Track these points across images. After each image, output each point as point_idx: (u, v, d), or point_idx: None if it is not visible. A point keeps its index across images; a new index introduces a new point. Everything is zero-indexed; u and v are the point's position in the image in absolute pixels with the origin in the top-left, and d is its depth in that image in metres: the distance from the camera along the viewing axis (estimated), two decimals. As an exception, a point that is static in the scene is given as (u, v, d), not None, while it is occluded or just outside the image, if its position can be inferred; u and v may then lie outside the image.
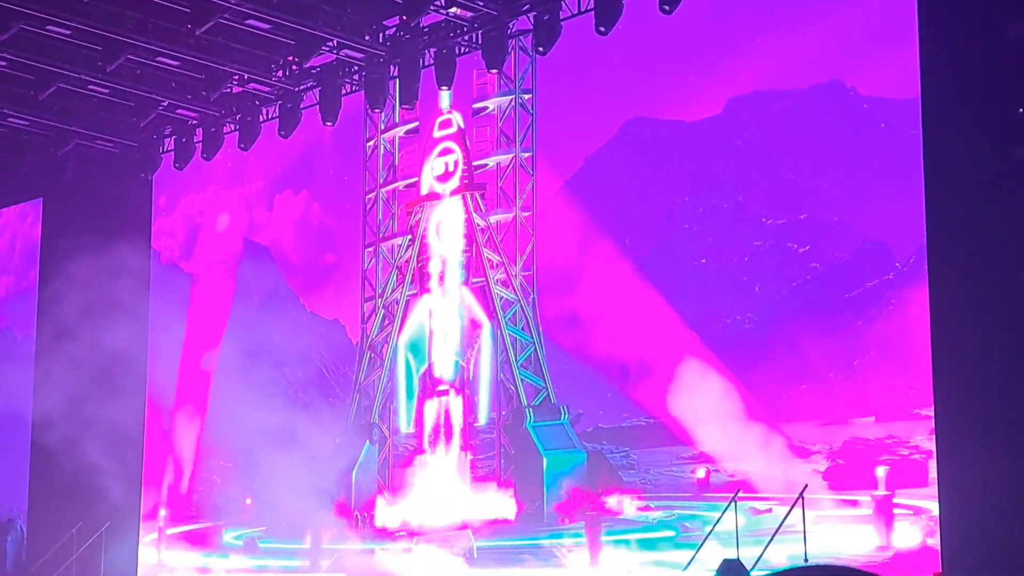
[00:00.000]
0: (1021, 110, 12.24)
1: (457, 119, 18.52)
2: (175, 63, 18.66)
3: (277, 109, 19.60)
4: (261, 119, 19.92)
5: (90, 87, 19.36)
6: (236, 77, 19.10)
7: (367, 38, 18.06)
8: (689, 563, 13.54)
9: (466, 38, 17.54)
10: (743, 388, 15.15)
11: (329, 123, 18.98)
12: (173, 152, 21.04)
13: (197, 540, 20.58)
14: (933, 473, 13.27)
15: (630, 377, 16.53)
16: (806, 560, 12.79)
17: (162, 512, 21.09)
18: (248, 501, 20.18)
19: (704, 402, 15.78)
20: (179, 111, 20.31)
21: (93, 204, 20.51)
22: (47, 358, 20.97)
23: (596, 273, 17.09)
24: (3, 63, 18.18)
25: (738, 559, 9.81)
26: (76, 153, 20.97)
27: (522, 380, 17.38)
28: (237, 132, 20.10)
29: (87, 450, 19.32)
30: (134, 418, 20.32)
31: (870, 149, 14.69)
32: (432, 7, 16.52)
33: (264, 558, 19.51)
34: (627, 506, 16.17)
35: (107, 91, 19.55)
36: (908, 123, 13.87)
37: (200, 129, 20.59)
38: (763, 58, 15.63)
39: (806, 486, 13.39)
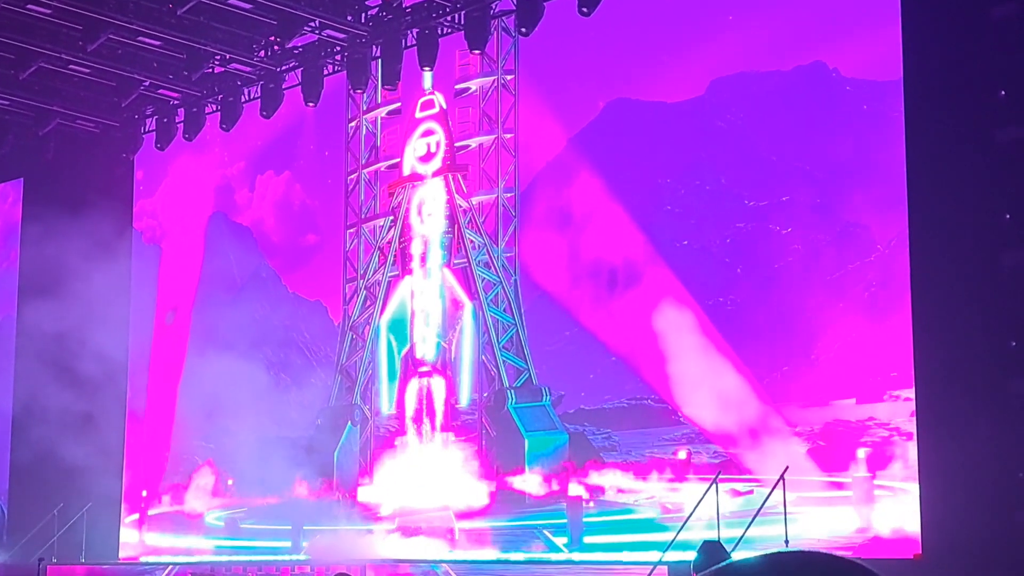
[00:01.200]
0: (1003, 92, 12.25)
1: (439, 100, 18.46)
2: (156, 43, 18.61)
3: (259, 89, 19.57)
4: (243, 99, 19.89)
5: (71, 67, 19.30)
6: (218, 57, 19.06)
7: (349, 18, 18.02)
8: (670, 544, 13.54)
9: (448, 19, 17.50)
10: (724, 370, 15.15)
11: (311, 103, 18.95)
12: (155, 132, 21.00)
13: (179, 521, 20.55)
14: (913, 455, 13.31)
15: (611, 357, 16.52)
16: (786, 542, 12.82)
17: (143, 493, 21.05)
18: (230, 482, 20.16)
19: (685, 384, 15.79)
20: (161, 91, 20.26)
21: (74, 184, 20.47)
22: (27, 339, 20.93)
23: (578, 252, 17.06)
24: (-18, 42, 18.09)
25: (719, 540, 9.80)
26: (57, 133, 20.92)
27: (504, 361, 17.37)
28: (219, 112, 20.05)
29: (68, 431, 19.30)
30: (115, 398, 20.30)
31: (852, 131, 14.68)
32: (414, -13, 16.47)
33: (246, 539, 19.50)
34: (608, 488, 16.17)
35: (88, 71, 19.49)
36: (890, 105, 13.87)
37: (182, 109, 20.54)
38: (746, 39, 15.60)
39: (787, 468, 13.39)
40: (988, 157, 12.38)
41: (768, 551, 1.85)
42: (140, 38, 18.41)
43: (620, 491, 16.08)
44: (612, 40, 16.64)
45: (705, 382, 15.44)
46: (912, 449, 13.36)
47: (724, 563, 1.82)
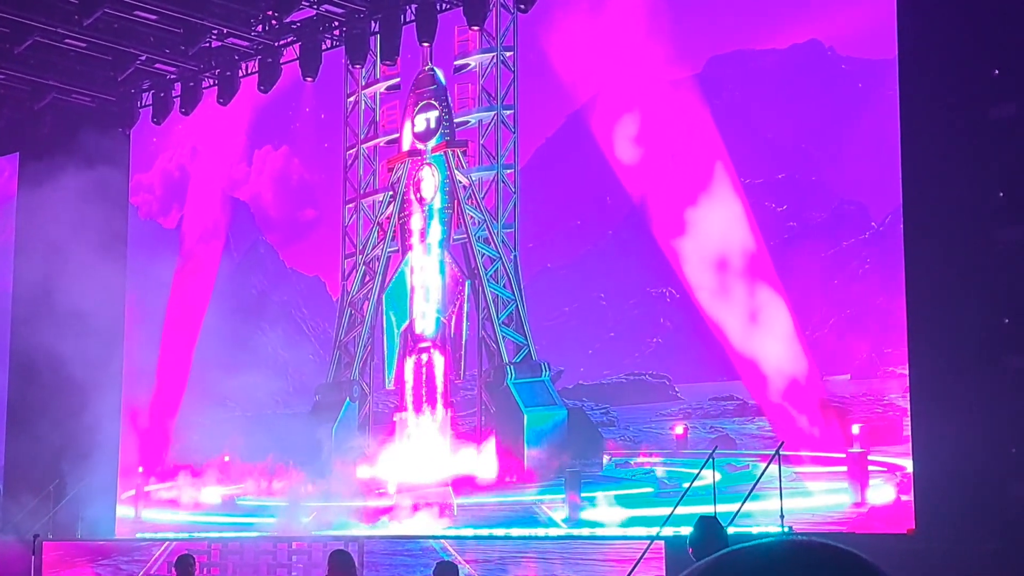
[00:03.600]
0: (996, 71, 12.29)
1: (439, 75, 18.48)
2: (153, 17, 18.59)
3: (256, 64, 19.56)
4: (240, 74, 19.88)
5: (67, 41, 19.28)
6: (215, 31, 19.05)
7: (347, -7, 18.00)
8: (667, 519, 13.64)
9: (447, -6, 17.50)
10: (721, 346, 15.23)
11: (309, 78, 18.95)
12: (151, 107, 21.00)
13: (176, 497, 20.61)
14: (907, 431, 13.40)
15: (610, 333, 16.60)
16: (782, 517, 12.91)
17: (140, 469, 21.12)
18: (226, 458, 20.23)
19: (683, 359, 15.88)
20: (157, 65, 20.25)
21: (70, 158, 20.44)
22: (23, 313, 20.97)
23: (577, 231, 17.13)
24: (-20, 17, 18.07)
25: (715, 515, 9.89)
26: (53, 107, 20.91)
27: (503, 337, 17.43)
28: (216, 87, 20.05)
29: (64, 406, 19.35)
30: (112, 373, 20.34)
31: (847, 109, 14.73)
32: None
33: (243, 515, 19.58)
34: (606, 463, 16.27)
35: (84, 45, 19.48)
36: (885, 83, 13.91)
37: (178, 83, 20.53)
38: (742, 17, 15.63)
39: (782, 443, 13.49)
40: (982, 135, 12.43)
41: (775, 538, 1.90)
42: (136, 12, 18.40)
43: (618, 466, 16.17)
44: (610, 17, 16.65)
45: (702, 358, 15.53)
46: (906, 424, 13.45)
47: (732, 548, 1.88)
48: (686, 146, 15.88)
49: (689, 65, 16.01)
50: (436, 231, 18.36)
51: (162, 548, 18.64)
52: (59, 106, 20.93)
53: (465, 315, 17.89)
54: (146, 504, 20.95)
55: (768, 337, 14.83)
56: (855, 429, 14.09)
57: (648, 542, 13.60)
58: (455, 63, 18.30)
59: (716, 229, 15.46)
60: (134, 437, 21.12)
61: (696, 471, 14.00)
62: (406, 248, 18.68)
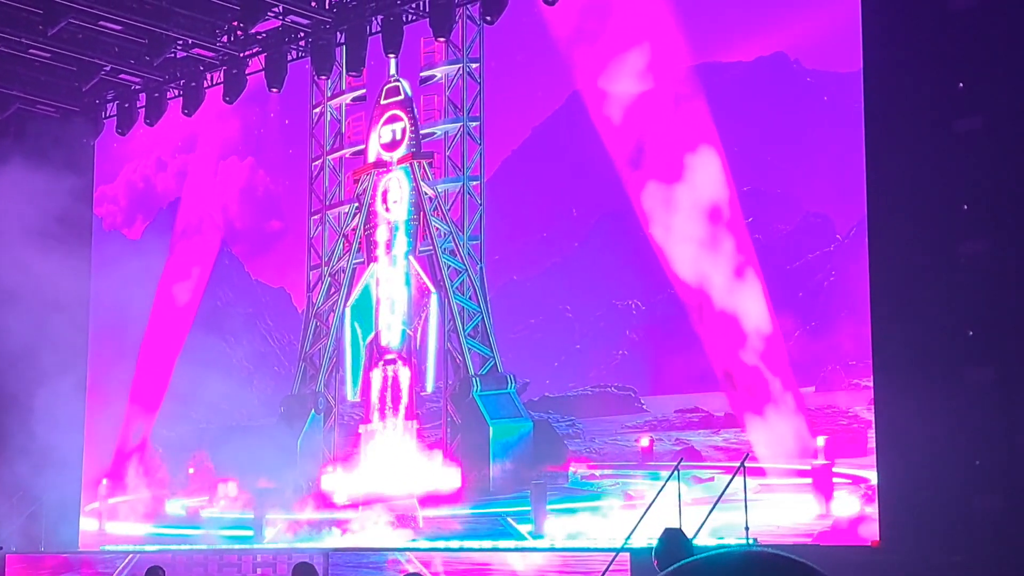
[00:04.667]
0: (961, 84, 12.35)
1: (404, 87, 18.44)
2: (118, 27, 18.50)
3: (222, 75, 19.49)
4: (205, 85, 19.81)
5: (31, 51, 19.17)
6: (180, 42, 18.97)
7: (313, 4, 17.98)
8: (632, 531, 13.62)
9: (413, 6, 17.50)
10: (686, 358, 15.24)
11: (275, 89, 18.90)
12: (116, 117, 20.89)
13: (140, 510, 20.48)
14: (872, 443, 13.42)
15: (576, 345, 16.59)
16: (747, 529, 12.90)
17: (104, 481, 20.97)
18: (191, 471, 20.11)
19: (648, 372, 15.88)
20: (122, 76, 20.15)
21: (34, 170, 20.27)
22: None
23: (543, 243, 17.12)
24: (-58, 27, 17.96)
25: (680, 528, 9.88)
26: (17, 117, 20.77)
27: (469, 349, 17.40)
28: (181, 98, 19.97)
29: (28, 418, 19.19)
30: (75, 386, 20.19)
31: (813, 122, 14.78)
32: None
33: (207, 528, 19.45)
34: (572, 475, 16.25)
35: (49, 55, 19.37)
36: (851, 96, 13.96)
37: (143, 94, 20.44)
38: (708, 30, 15.67)
39: (747, 455, 13.52)
40: (946, 148, 12.48)
41: (731, 548, 1.88)
42: (101, 22, 18.30)
43: (584, 478, 16.15)
44: (576, 30, 16.66)
45: (667, 370, 15.54)
46: (871, 437, 13.47)
47: (691, 559, 1.86)
48: (652, 158, 15.89)
49: (655, 78, 16.02)
50: (402, 243, 18.31)
51: (126, 560, 18.51)
52: (23, 116, 20.79)
53: (431, 327, 17.84)
54: (110, 516, 20.78)
55: (733, 349, 14.84)
56: (820, 441, 14.11)
57: (613, 554, 13.57)
58: (421, 74, 18.28)
59: (681, 241, 15.46)
60: (98, 449, 20.94)
61: (662, 483, 13.99)
62: (371, 260, 18.63)
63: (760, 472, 14.13)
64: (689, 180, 15.55)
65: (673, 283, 15.46)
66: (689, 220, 15.42)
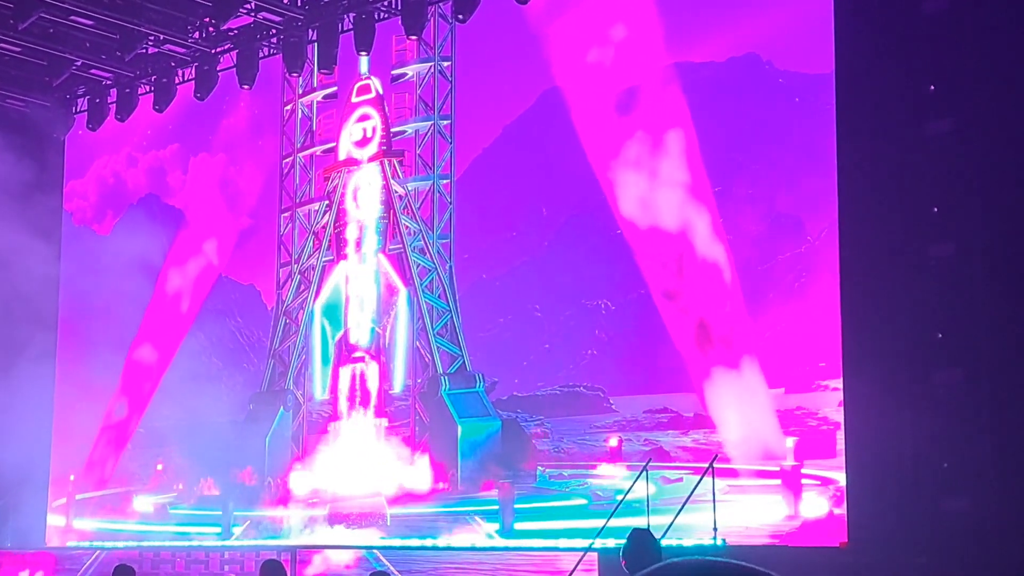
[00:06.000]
0: (932, 87, 12.39)
1: (376, 85, 18.40)
2: (89, 22, 18.41)
3: (193, 71, 19.41)
4: (177, 81, 19.72)
5: (2, 45, 19.06)
6: (152, 38, 18.88)
7: (285, 1, 17.92)
8: (600, 532, 13.62)
9: (385, 3, 17.46)
10: (656, 358, 15.26)
11: (246, 86, 18.83)
12: (86, 112, 20.79)
13: (107, 506, 20.39)
14: (841, 444, 13.46)
15: (545, 345, 16.58)
16: (715, 530, 12.92)
17: (71, 477, 20.86)
18: (159, 467, 20.03)
19: (618, 372, 15.88)
20: (93, 71, 20.06)
21: (4, 164, 20.15)
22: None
23: (513, 242, 17.11)
24: (-89, 19, 17.82)
25: (648, 528, 9.88)
26: (-13, 112, 20.64)
27: (438, 348, 17.37)
28: (152, 93, 19.88)
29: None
30: (43, 382, 20.09)
31: (785, 123, 14.81)
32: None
33: (175, 524, 19.38)
34: (540, 474, 16.24)
35: (19, 49, 19.26)
36: (822, 98, 13.99)
37: (114, 90, 20.35)
38: (680, 31, 15.68)
39: (716, 456, 13.54)
40: (917, 151, 12.52)
41: (688, 557, 1.87)
42: (72, 17, 18.21)
43: (552, 478, 16.14)
44: (548, 29, 16.65)
45: (636, 370, 15.55)
46: (840, 438, 13.51)
47: (661, 564, 1.85)
48: (623, 157, 15.89)
49: (627, 77, 16.02)
50: (371, 241, 18.27)
51: (93, 557, 18.44)
52: (-8, 110, 20.67)
53: (400, 325, 17.81)
54: (77, 512, 20.68)
55: (702, 350, 14.86)
56: (789, 442, 14.14)
57: (581, 553, 13.57)
58: (392, 72, 18.24)
59: (652, 240, 15.48)
60: (65, 444, 20.83)
61: (630, 483, 14.00)
62: (341, 258, 18.58)
63: (729, 473, 14.15)
64: (661, 179, 15.56)
65: (645, 282, 15.47)
66: (660, 219, 15.43)
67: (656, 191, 15.55)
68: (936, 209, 12.46)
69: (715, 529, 12.94)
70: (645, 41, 15.90)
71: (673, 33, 15.69)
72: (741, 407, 14.51)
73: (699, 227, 15.18)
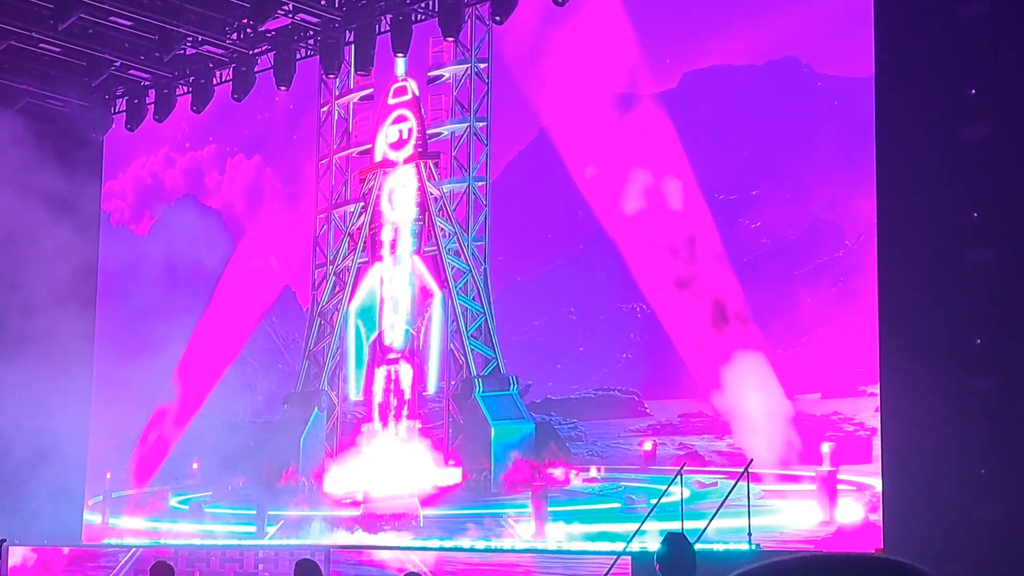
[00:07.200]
0: (973, 91, 12.31)
1: (412, 87, 18.42)
2: (128, 23, 18.50)
3: (231, 72, 19.48)
4: (214, 82, 19.79)
5: (41, 45, 19.16)
6: (190, 39, 18.96)
7: (323, 2, 17.96)
8: (634, 535, 13.59)
9: (422, 5, 17.46)
10: (692, 363, 15.20)
11: (283, 87, 18.88)
12: (125, 113, 20.88)
13: (143, 504, 20.49)
14: (877, 450, 13.38)
15: (579, 348, 16.55)
16: (749, 534, 12.87)
17: (108, 475, 20.97)
18: (195, 466, 20.11)
19: (653, 376, 15.84)
20: (131, 72, 20.16)
21: (43, 164, 20.28)
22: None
23: (548, 245, 17.08)
24: (-48, 19, 17.95)
25: (682, 532, 9.85)
26: (26, 111, 20.75)
27: (472, 350, 17.37)
28: (190, 94, 19.96)
29: (34, 409, 19.17)
30: (81, 380, 20.19)
31: (823, 127, 14.74)
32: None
33: (210, 523, 19.45)
34: (573, 477, 16.21)
35: (59, 50, 19.37)
36: (861, 102, 13.91)
37: (152, 90, 20.43)
38: (720, 34, 15.63)
39: (751, 461, 13.47)
40: (957, 155, 12.43)
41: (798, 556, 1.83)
42: (112, 18, 18.30)
43: (585, 481, 16.12)
44: (585, 31, 16.63)
45: (672, 375, 15.50)
46: (876, 444, 13.42)
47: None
48: (661, 161, 15.86)
49: (665, 80, 15.99)
50: (406, 243, 18.29)
51: (129, 554, 18.53)
52: (32, 110, 20.79)
53: (434, 327, 17.82)
54: (113, 510, 20.78)
55: (739, 355, 14.80)
56: (825, 448, 14.07)
57: (615, 557, 13.54)
58: (429, 74, 18.26)
59: (688, 245, 15.43)
60: (103, 443, 20.93)
61: (664, 487, 13.95)
62: (376, 259, 18.61)
63: (764, 478, 14.09)
64: (701, 182, 15.51)
65: (673, 288, 15.42)
66: (693, 224, 15.38)
67: (693, 195, 15.50)
68: (976, 214, 12.37)
69: (749, 534, 12.89)
70: (683, 44, 15.86)
71: (712, 36, 15.64)
72: (776, 412, 14.44)
73: (737, 231, 15.12)
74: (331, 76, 18.88)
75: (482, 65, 17.75)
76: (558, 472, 16.33)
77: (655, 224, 15.74)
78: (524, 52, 17.32)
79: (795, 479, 14.21)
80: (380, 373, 18.35)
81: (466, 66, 17.86)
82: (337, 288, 19.04)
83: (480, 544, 16.30)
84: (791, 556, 1.81)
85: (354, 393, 18.62)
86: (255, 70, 19.23)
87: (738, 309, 14.95)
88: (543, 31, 16.98)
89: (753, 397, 14.65)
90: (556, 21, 16.77)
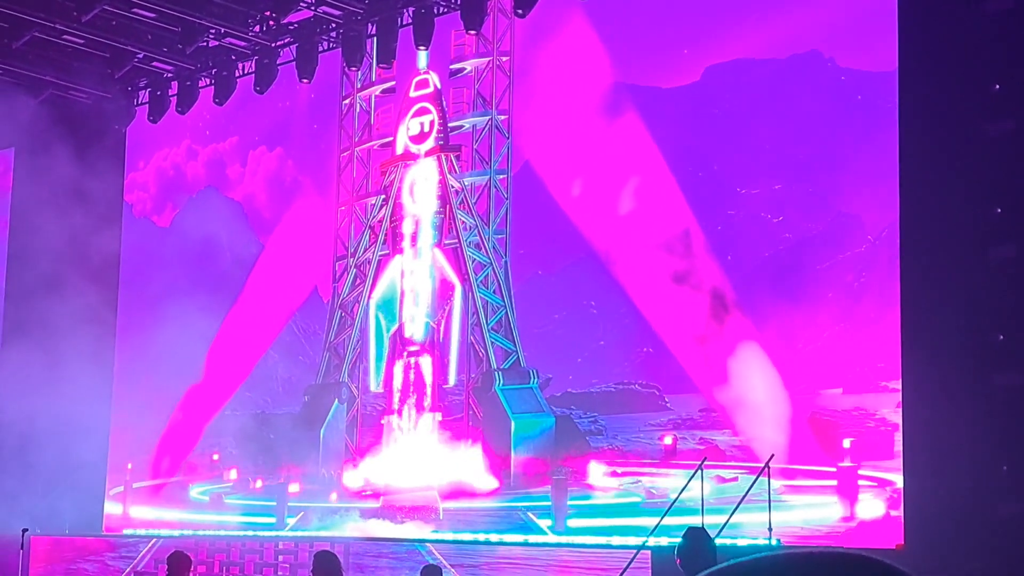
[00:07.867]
0: (997, 86, 12.26)
1: (434, 79, 18.42)
2: (151, 15, 18.55)
3: (253, 64, 19.53)
4: (237, 74, 19.84)
5: (65, 37, 19.24)
6: (212, 31, 19.00)
7: (345, -5, 17.97)
8: (654, 530, 13.57)
9: (445, -2, 17.47)
10: (712, 357, 15.17)
11: (305, 80, 18.91)
12: (147, 105, 20.95)
13: (163, 495, 20.56)
14: (898, 446, 13.35)
15: (600, 341, 16.53)
16: (770, 530, 12.85)
17: (129, 466, 21.04)
18: (215, 457, 20.17)
19: (672, 370, 15.81)
20: (154, 63, 20.21)
21: (66, 155, 20.38)
22: (16, 310, 20.90)
23: (569, 239, 17.05)
24: (-24, 10, 18.02)
25: (703, 527, 9.83)
26: (49, 103, 20.84)
27: (492, 343, 17.37)
28: (212, 86, 20.01)
29: (55, 401, 19.26)
30: (103, 371, 20.27)
31: (846, 121, 14.68)
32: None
33: (230, 514, 19.51)
34: (594, 472, 16.20)
35: (82, 41, 19.43)
36: (885, 96, 13.87)
37: (175, 82, 20.49)
38: (742, 27, 15.58)
39: (772, 456, 13.43)
40: (980, 150, 12.40)
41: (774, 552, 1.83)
42: (135, 10, 18.36)
43: (605, 475, 16.10)
44: (608, 24, 16.61)
45: (692, 369, 15.47)
46: (897, 440, 13.39)
47: (730, 563, 1.81)
48: (683, 154, 15.83)
49: (687, 73, 15.96)
50: (427, 235, 18.30)
51: (149, 545, 18.61)
52: (56, 102, 20.87)
53: (455, 320, 17.83)
54: (134, 500, 20.86)
55: (760, 350, 14.77)
56: (846, 443, 14.03)
57: (635, 551, 13.53)
58: (451, 67, 18.25)
59: (709, 239, 15.41)
60: (123, 434, 21.01)
61: (685, 482, 13.93)
62: (397, 252, 18.62)
63: (785, 473, 14.06)
64: (715, 178, 15.49)
65: (695, 283, 15.39)
66: (715, 219, 15.35)
67: (715, 188, 15.47)
68: (999, 210, 12.33)
69: (770, 529, 12.87)
70: (706, 37, 15.82)
71: (735, 30, 15.60)
72: (797, 407, 14.40)
73: (759, 225, 15.08)
74: (353, 69, 18.91)
75: (504, 58, 17.74)
76: (578, 466, 16.32)
77: (677, 217, 15.69)
78: (546, 45, 17.28)
79: (816, 475, 14.17)
80: (400, 366, 18.37)
81: (488, 59, 17.85)
82: (358, 280, 19.07)
83: (499, 537, 16.30)
84: (774, 553, 1.81)
85: (374, 385, 18.65)
86: (277, 62, 19.27)
87: (758, 304, 14.91)
88: (565, 24, 16.95)
89: (774, 392, 14.61)
90: (578, 14, 16.74)
